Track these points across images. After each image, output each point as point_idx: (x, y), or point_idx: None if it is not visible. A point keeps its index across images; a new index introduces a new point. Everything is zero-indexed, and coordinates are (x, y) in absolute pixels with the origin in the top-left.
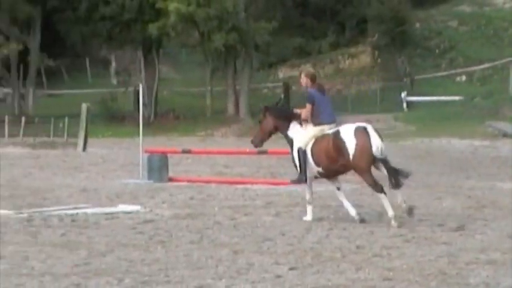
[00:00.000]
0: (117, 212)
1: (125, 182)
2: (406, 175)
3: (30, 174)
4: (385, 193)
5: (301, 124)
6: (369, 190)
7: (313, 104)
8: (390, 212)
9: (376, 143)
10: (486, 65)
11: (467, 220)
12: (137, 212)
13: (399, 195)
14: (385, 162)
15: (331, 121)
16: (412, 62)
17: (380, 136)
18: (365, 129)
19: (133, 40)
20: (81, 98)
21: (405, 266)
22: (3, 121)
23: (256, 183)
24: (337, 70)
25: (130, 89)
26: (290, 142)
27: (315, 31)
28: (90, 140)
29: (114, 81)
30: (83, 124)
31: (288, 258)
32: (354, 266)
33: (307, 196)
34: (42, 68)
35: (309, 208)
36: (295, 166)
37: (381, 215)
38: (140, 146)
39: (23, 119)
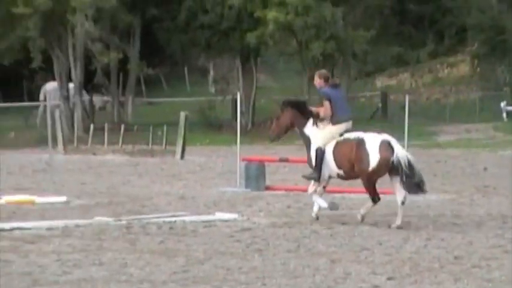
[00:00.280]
0: (215, 220)
1: (223, 190)
2: (423, 190)
3: (129, 182)
4: (376, 203)
5: (317, 123)
6: (466, 200)
7: (330, 101)
8: (362, 211)
9: (402, 156)
10: None
11: None
12: (234, 220)
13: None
14: (412, 171)
15: (348, 118)
16: None
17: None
18: (389, 143)
19: (232, 49)
20: (180, 106)
21: (504, 277)
22: (103, 129)
23: (353, 192)
24: (436, 79)
25: (228, 97)
26: (307, 140)
27: (413, 40)
28: (188, 148)
29: (212, 89)
30: (181, 132)
31: (385, 268)
32: (452, 276)
33: (311, 190)
34: (142, 77)
35: (316, 199)
36: (310, 165)
37: (479, 224)
38: (238, 154)
39: (122, 126)
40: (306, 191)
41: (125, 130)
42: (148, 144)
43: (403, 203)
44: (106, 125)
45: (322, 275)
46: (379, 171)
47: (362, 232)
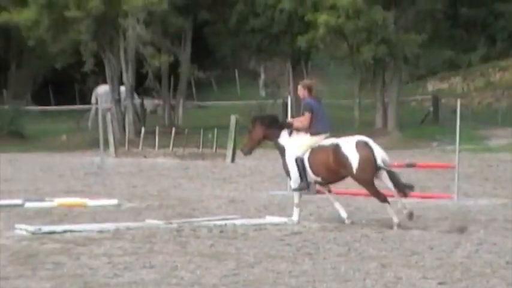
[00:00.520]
0: (265, 224)
1: (273, 193)
2: (411, 187)
3: (179, 185)
4: (388, 202)
5: (291, 133)
6: None
7: (311, 113)
8: (395, 219)
9: (381, 155)
10: None
11: None
12: (285, 223)
13: (399, 202)
14: (390, 173)
15: (326, 131)
16: None
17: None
18: (366, 143)
19: (282, 52)
20: (230, 109)
21: None
22: (154, 132)
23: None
24: (488, 83)
25: (279, 100)
26: (281, 149)
27: (465, 44)
28: (238, 151)
29: (263, 93)
30: (231, 135)
31: (436, 272)
32: (504, 281)
33: (296, 200)
34: (193, 80)
35: (296, 211)
36: (287, 173)
37: None
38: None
39: (173, 130)
40: (356, 195)
41: (176, 133)
42: (198, 148)
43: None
44: (157, 128)
45: (372, 279)
46: (365, 169)
47: (413, 236)
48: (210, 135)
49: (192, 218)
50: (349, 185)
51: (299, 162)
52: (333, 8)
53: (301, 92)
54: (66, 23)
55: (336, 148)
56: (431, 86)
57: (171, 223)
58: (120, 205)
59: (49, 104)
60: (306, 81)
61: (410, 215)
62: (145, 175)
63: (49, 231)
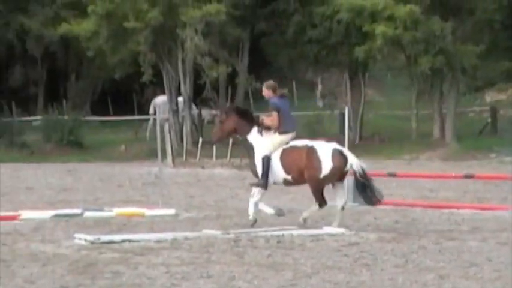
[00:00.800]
0: (322, 234)
1: (330, 204)
2: (381, 197)
3: (236, 195)
4: (322, 207)
5: (261, 131)
6: None
7: (278, 112)
8: (305, 214)
9: (356, 164)
10: None
11: None
12: (342, 234)
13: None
14: (360, 184)
15: (293, 129)
16: None
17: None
18: (341, 152)
19: (340, 63)
20: None
21: None
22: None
23: (463, 207)
24: None
25: (336, 111)
26: (250, 148)
27: None
28: None
29: (320, 103)
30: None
31: (494, 284)
32: None
33: (256, 198)
34: (250, 90)
35: (252, 206)
36: (254, 172)
37: None
38: None
39: (231, 140)
40: (414, 206)
41: (233, 144)
42: None
43: (343, 208)
44: None
45: None
46: (330, 178)
47: (471, 248)
48: None
49: (249, 228)
50: (407, 196)
51: (265, 160)
52: (390, 18)
53: (266, 92)
54: (125, 34)
55: (312, 150)
56: (489, 97)
57: (228, 233)
58: (177, 215)
59: (108, 115)
60: (270, 82)
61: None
62: (203, 185)
63: (108, 240)
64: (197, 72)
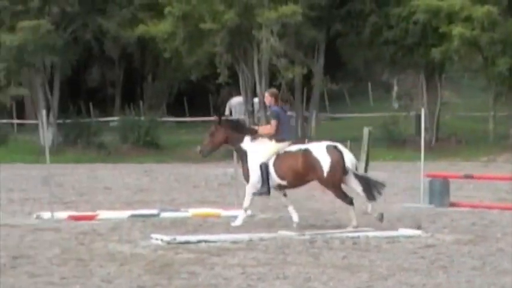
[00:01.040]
0: (398, 236)
1: (406, 206)
2: (382, 186)
3: (312, 196)
4: (353, 204)
5: (255, 139)
6: None
7: (278, 121)
8: (354, 222)
9: (350, 159)
10: None
11: None
12: (418, 236)
13: (369, 204)
14: (360, 177)
15: (291, 138)
16: None
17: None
18: (335, 147)
19: (416, 64)
20: (363, 121)
21: None
22: None
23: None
24: None
25: (412, 113)
26: (243, 154)
27: None
28: (371, 163)
29: (396, 105)
30: (364, 147)
31: None
32: None
33: (246, 204)
34: (325, 92)
35: (243, 214)
36: (246, 178)
37: None
38: (421, 170)
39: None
40: (491, 208)
41: None
42: None
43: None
44: None
45: None
46: (335, 173)
47: None
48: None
49: (325, 229)
50: (484, 198)
51: (264, 168)
52: (467, 19)
53: (268, 99)
54: (202, 35)
55: (307, 152)
56: None
57: (303, 234)
58: (253, 216)
59: (184, 115)
60: (273, 90)
61: (381, 216)
62: None
63: (184, 241)
64: (273, 74)
